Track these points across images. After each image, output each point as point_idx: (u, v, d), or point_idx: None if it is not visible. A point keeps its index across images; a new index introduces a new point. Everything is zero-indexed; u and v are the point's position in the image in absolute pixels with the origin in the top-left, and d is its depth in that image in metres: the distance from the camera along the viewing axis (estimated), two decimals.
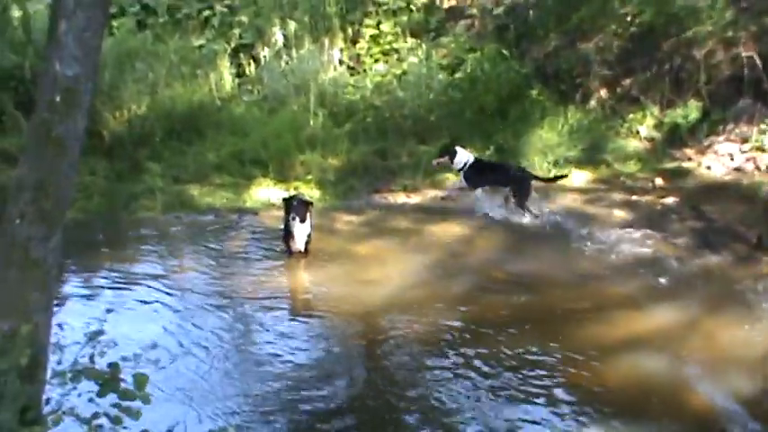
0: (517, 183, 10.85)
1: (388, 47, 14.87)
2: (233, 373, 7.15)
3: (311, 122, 13.29)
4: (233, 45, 15.18)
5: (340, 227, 10.75)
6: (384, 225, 10.70)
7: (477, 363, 7.20)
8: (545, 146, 12.71)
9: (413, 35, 15.05)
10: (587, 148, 12.93)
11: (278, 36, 14.94)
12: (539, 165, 12.26)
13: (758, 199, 11.15)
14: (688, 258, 9.39)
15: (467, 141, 12.47)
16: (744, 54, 12.99)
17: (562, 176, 11.55)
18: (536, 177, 11.10)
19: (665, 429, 6.18)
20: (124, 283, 9.15)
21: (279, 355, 7.44)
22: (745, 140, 12.73)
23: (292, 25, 14.91)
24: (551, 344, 7.45)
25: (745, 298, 8.27)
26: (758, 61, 12.82)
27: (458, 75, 14.27)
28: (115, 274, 9.38)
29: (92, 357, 5.11)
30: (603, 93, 13.97)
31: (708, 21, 13.31)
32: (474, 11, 15.38)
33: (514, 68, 14.06)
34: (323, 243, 9.94)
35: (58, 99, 4.98)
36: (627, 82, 14.01)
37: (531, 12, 14.83)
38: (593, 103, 13.84)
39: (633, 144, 13.33)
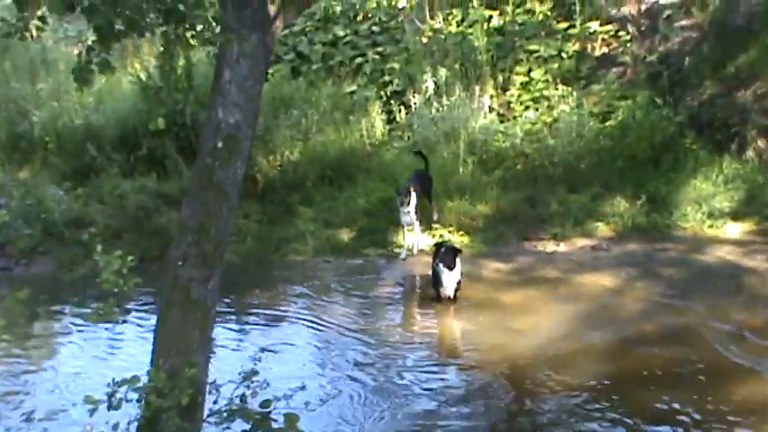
0: None
1: (538, 94, 14.79)
2: (379, 416, 7.19)
3: (461, 169, 13.32)
4: (385, 92, 15.40)
5: (488, 274, 10.70)
6: (533, 274, 10.60)
7: (625, 419, 7.02)
8: (699, 196, 12.36)
9: (564, 83, 14.93)
10: (743, 199, 12.50)
11: (429, 83, 15.07)
12: (692, 216, 11.93)
13: None
14: None
15: (618, 190, 12.27)
16: None
17: None
18: None
19: None
20: (275, 324, 9.36)
21: (425, 402, 7.45)
22: None
23: (443, 72, 15.01)
24: (703, 402, 7.21)
25: None
26: None
27: (609, 122, 14.06)
28: (266, 315, 9.60)
29: (243, 397, 5.24)
30: (761, 143, 13.50)
31: None
32: (626, 58, 15.16)
33: (667, 117, 13.76)
34: (471, 290, 9.93)
35: (220, 145, 5.18)
36: None
37: (686, 59, 14.52)
38: (749, 153, 13.38)
39: None
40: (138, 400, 5.02)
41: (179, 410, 4.83)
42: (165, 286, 5.21)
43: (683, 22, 15.21)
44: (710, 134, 13.66)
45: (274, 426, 5.23)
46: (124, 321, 9.14)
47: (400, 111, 15.13)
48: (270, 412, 5.25)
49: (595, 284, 10.21)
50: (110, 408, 5.01)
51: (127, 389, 4.99)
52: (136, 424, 5.12)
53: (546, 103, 14.64)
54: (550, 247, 11.61)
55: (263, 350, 6.89)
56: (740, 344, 8.37)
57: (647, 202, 12.31)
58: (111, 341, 9.00)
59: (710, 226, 11.91)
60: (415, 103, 14.97)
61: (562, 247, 11.62)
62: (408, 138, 14.68)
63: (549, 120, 14.24)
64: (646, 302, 9.65)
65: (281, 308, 9.98)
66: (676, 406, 7.19)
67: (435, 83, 14.94)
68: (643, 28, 15.38)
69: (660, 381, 7.66)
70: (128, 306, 9.36)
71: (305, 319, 9.48)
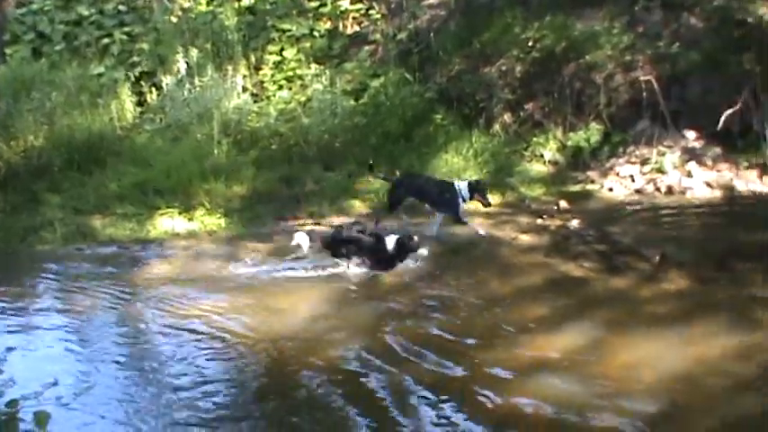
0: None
1: (291, 73, 14.80)
2: (136, 408, 6.93)
3: (215, 151, 13.11)
4: (134, 73, 14.92)
5: (247, 255, 10.57)
6: (292, 254, 10.55)
7: (381, 393, 7.10)
8: (450, 170, 12.74)
9: (316, 61, 15.02)
10: (493, 172, 13.02)
11: (180, 64, 14.74)
12: None
13: (661, 221, 11.40)
14: (593, 280, 9.45)
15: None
16: (642, 78, 13.28)
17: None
18: None
19: None
20: (23, 319, 8.86)
21: (184, 390, 7.24)
22: (645, 162, 12.98)
23: (194, 53, 14.73)
24: (460, 368, 7.40)
25: (649, 317, 8.36)
26: (655, 85, 13.12)
27: (362, 100, 14.27)
28: (14, 310, 9.07)
29: None
30: (507, 117, 14.11)
31: (606, 45, 13.58)
32: (377, 36, 15.42)
33: (418, 93, 14.13)
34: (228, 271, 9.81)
35: None
36: (529, 106, 14.16)
37: (433, 36, 14.93)
38: (496, 127, 13.96)
39: (537, 167, 13.49)
40: None
41: None
42: None
43: (431, 0, 15.63)
44: (459, 109, 14.13)
45: (23, 426, 4.93)
46: None
47: (151, 92, 14.72)
48: (17, 412, 4.93)
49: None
50: None
51: None
52: None
53: (299, 83, 14.69)
54: (308, 226, 11.61)
55: (9, 349, 6.49)
56: (491, 313, 8.67)
57: None
58: None
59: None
60: (166, 85, 14.60)
61: (320, 226, 11.66)
62: (161, 120, 14.32)
63: (302, 99, 14.30)
64: (401, 276, 9.81)
65: (30, 301, 9.46)
66: (435, 373, 7.35)
67: (187, 63, 14.63)
68: (393, 5, 15.66)
69: (418, 350, 7.79)
70: None
71: (56, 312, 9.03)
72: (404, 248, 9.69)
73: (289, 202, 12.34)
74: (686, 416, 6.51)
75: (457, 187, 10.78)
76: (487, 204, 10.95)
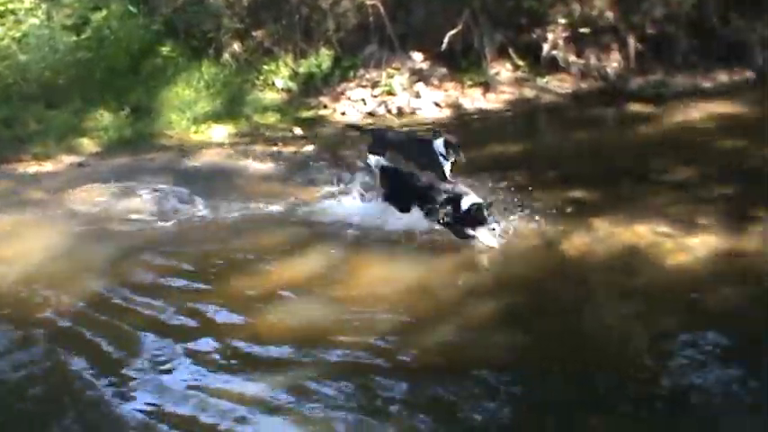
0: None
1: (2, 8, 13.85)
2: None
3: None
4: None
5: None
6: (17, 198, 9.99)
7: (124, 327, 6.93)
8: (182, 103, 12.46)
9: None
10: (225, 102, 12.83)
11: None
12: (177, 123, 11.98)
13: None
14: (332, 203, 9.54)
15: (100, 103, 11.96)
16: (368, 2, 13.42)
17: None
18: None
19: (319, 370, 6.24)
20: None
21: None
22: (375, 85, 13.21)
23: None
24: (202, 301, 7.33)
25: (386, 236, 8.54)
26: (381, 9, 13.30)
27: (84, 35, 13.61)
28: None
29: None
30: (236, 46, 13.90)
31: None
32: None
33: (144, 25, 13.65)
34: None
35: None
36: (258, 34, 14.03)
37: None
38: (226, 56, 13.73)
39: (270, 96, 13.42)
40: None
41: None
42: None
43: None
44: (188, 41, 13.79)
45: None
46: None
47: None
48: None
49: (85, 201, 9.88)
50: None
51: None
52: None
53: (12, 18, 13.76)
54: (33, 167, 11.02)
55: None
56: (230, 244, 8.60)
57: (132, 113, 12.18)
58: None
59: (196, 131, 12.06)
60: None
61: (47, 167, 11.10)
62: None
63: (17, 35, 13.42)
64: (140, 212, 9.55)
65: None
66: (186, 305, 7.25)
67: None
68: None
69: (159, 285, 7.65)
70: None
71: None
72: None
73: (10, 144, 11.63)
74: (423, 326, 6.75)
75: (435, 146, 9.56)
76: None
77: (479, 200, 8.00)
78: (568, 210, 8.41)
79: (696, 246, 7.79)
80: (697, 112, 11.83)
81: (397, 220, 8.66)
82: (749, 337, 6.24)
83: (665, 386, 5.78)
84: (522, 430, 5.56)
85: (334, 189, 9.83)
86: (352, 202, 9.43)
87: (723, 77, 12.96)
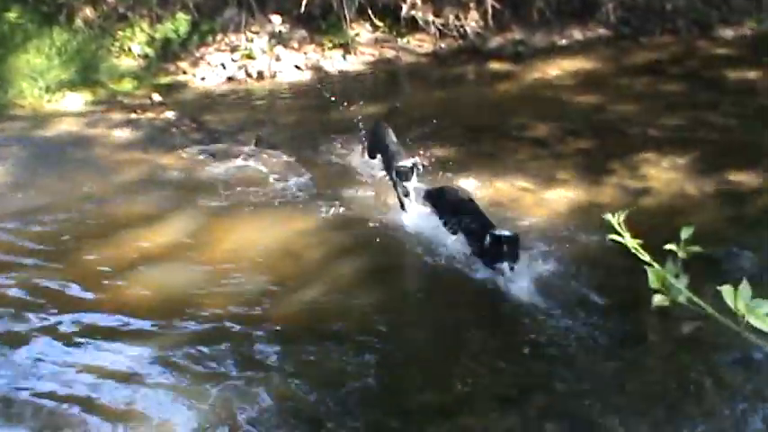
0: None
1: None
2: None
3: None
4: None
5: None
6: None
7: None
8: (33, 71, 11.99)
9: None
10: (80, 70, 12.39)
11: None
12: (28, 92, 11.55)
13: (254, 105, 11.57)
14: (192, 170, 9.41)
15: None
16: None
17: None
18: None
19: (185, 339, 6.20)
20: None
21: None
22: (234, 49, 13.01)
23: None
24: (59, 274, 7.15)
25: (249, 201, 8.48)
26: None
27: None
28: None
29: None
30: (89, 11, 13.44)
31: None
32: None
33: None
34: None
35: None
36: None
37: None
38: (79, 22, 13.26)
39: (127, 62, 13.03)
40: None
41: None
42: None
43: None
44: (37, 6, 13.28)
45: None
46: None
47: None
48: None
49: None
50: None
51: None
52: None
53: None
54: None
55: None
56: (91, 213, 8.39)
57: None
58: None
59: (50, 101, 11.66)
60: None
61: None
62: None
63: None
64: None
65: None
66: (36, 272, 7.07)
67: None
68: None
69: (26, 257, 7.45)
70: None
71: None
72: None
73: None
74: (289, 289, 6.77)
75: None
76: None
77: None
78: (430, 168, 8.49)
79: (555, 199, 8.01)
80: (554, 69, 12.12)
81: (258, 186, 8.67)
82: (606, 284, 6.47)
83: (526, 333, 5.94)
84: (390, 386, 5.64)
85: (197, 154, 9.73)
86: (215, 166, 9.36)
87: (578, 35, 13.28)
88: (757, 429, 4.93)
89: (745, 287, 1.78)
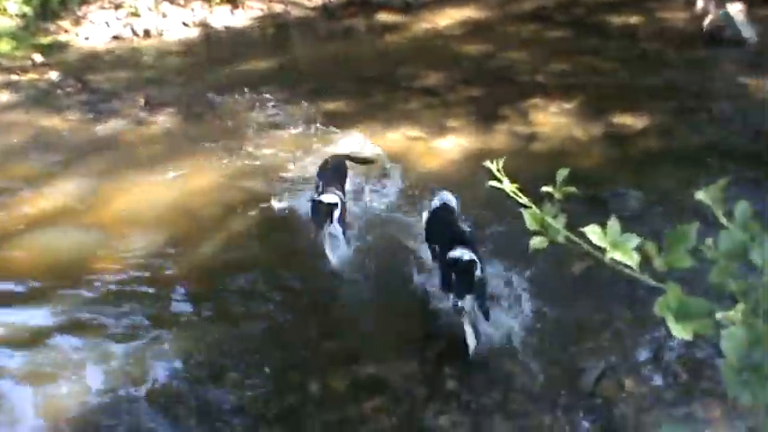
0: None
1: None
2: None
3: None
4: None
5: None
6: None
7: None
8: None
9: None
10: None
11: None
12: None
13: (141, 64, 11.30)
14: (82, 130, 9.17)
15: None
16: None
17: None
18: None
19: (82, 300, 6.08)
20: None
21: None
22: (119, 7, 12.68)
23: None
24: None
25: (141, 159, 8.31)
26: None
27: None
28: None
29: None
30: None
31: None
32: None
33: None
34: None
35: None
36: None
37: None
38: None
39: (3, 22, 12.56)
40: None
41: None
42: None
43: None
44: None
45: None
46: None
47: None
48: None
49: None
50: None
51: None
52: None
53: None
54: None
55: None
56: None
57: None
58: None
59: None
60: None
61: None
62: None
63: None
64: None
65: None
66: None
67: None
68: None
69: None
70: None
71: None
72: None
73: None
74: (186, 245, 6.68)
75: None
76: None
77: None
78: (322, 121, 8.46)
79: (447, 147, 8.06)
80: (443, 18, 12.13)
81: (149, 146, 8.51)
82: (496, 232, 6.54)
83: (422, 280, 5.98)
84: (293, 335, 5.63)
85: (83, 115, 9.48)
86: (103, 127, 9.15)
87: None
88: (647, 359, 5.07)
89: (614, 224, 1.80)
